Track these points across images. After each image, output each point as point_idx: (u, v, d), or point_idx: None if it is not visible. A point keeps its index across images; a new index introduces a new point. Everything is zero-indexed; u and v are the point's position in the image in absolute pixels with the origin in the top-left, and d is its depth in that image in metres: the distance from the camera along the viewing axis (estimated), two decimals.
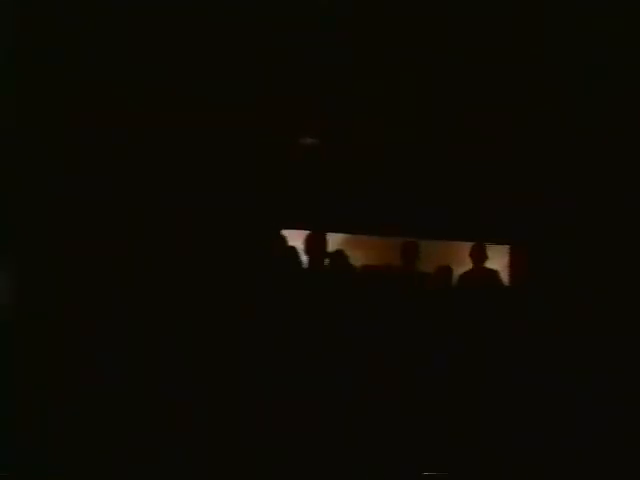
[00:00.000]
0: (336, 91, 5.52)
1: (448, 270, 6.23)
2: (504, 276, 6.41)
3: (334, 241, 6.10)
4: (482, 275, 6.29)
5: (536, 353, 5.19)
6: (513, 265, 6.51)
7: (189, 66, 5.33)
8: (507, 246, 6.55)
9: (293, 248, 5.70)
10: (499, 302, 5.65)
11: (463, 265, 6.41)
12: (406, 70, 5.63)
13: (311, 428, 4.88)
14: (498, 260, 6.54)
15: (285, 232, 5.73)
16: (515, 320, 5.35)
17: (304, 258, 5.69)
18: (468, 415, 5.03)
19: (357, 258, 6.08)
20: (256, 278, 5.19)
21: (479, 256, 6.32)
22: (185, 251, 5.17)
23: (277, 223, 5.60)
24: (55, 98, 5.08)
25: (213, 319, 5.02)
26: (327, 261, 5.75)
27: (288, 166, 5.63)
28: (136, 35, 5.21)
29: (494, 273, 6.30)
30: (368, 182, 5.86)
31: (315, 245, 5.66)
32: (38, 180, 5.00)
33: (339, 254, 5.87)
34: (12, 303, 4.77)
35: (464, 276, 6.26)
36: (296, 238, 5.77)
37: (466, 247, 6.44)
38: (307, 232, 5.75)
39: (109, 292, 5.00)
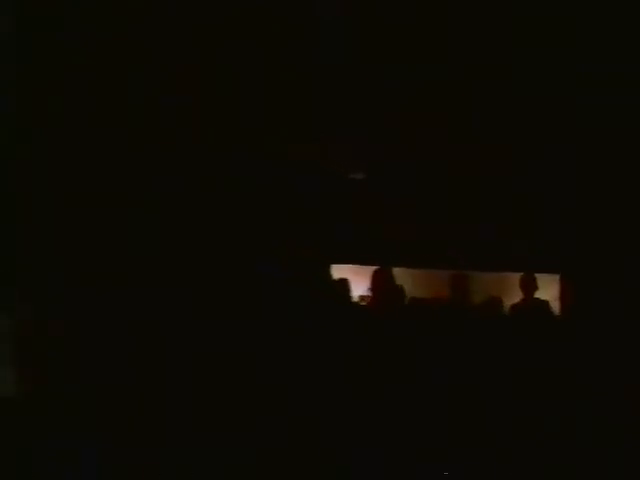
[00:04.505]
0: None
1: (498, 301, 6.18)
2: (554, 307, 6.34)
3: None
4: (532, 306, 6.14)
5: (589, 381, 5.12)
6: (563, 296, 6.42)
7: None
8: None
9: (345, 280, 5.65)
10: (550, 332, 5.60)
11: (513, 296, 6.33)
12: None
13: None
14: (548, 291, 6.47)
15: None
16: (567, 349, 5.28)
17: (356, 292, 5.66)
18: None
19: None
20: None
21: (529, 287, 6.16)
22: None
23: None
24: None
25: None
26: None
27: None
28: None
29: (544, 304, 6.18)
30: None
31: (380, 280, 5.56)
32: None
33: (397, 288, 5.73)
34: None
35: (514, 307, 6.16)
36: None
37: (516, 278, 6.32)
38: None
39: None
